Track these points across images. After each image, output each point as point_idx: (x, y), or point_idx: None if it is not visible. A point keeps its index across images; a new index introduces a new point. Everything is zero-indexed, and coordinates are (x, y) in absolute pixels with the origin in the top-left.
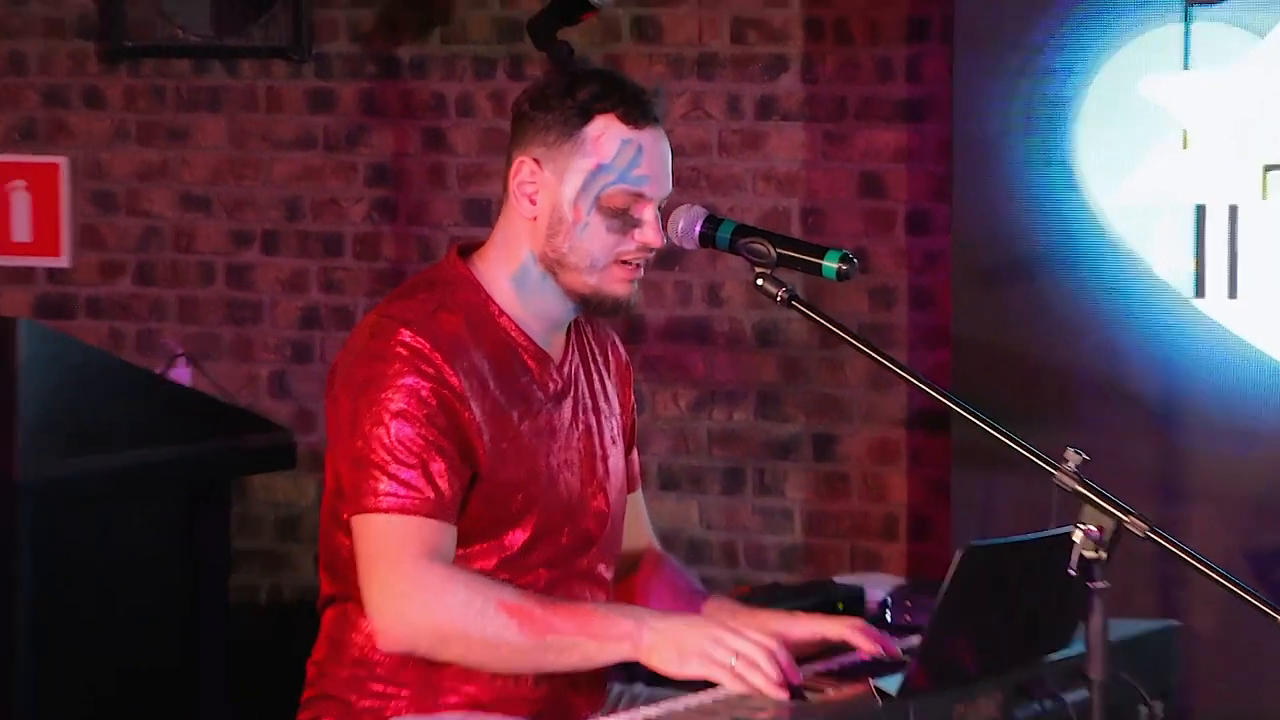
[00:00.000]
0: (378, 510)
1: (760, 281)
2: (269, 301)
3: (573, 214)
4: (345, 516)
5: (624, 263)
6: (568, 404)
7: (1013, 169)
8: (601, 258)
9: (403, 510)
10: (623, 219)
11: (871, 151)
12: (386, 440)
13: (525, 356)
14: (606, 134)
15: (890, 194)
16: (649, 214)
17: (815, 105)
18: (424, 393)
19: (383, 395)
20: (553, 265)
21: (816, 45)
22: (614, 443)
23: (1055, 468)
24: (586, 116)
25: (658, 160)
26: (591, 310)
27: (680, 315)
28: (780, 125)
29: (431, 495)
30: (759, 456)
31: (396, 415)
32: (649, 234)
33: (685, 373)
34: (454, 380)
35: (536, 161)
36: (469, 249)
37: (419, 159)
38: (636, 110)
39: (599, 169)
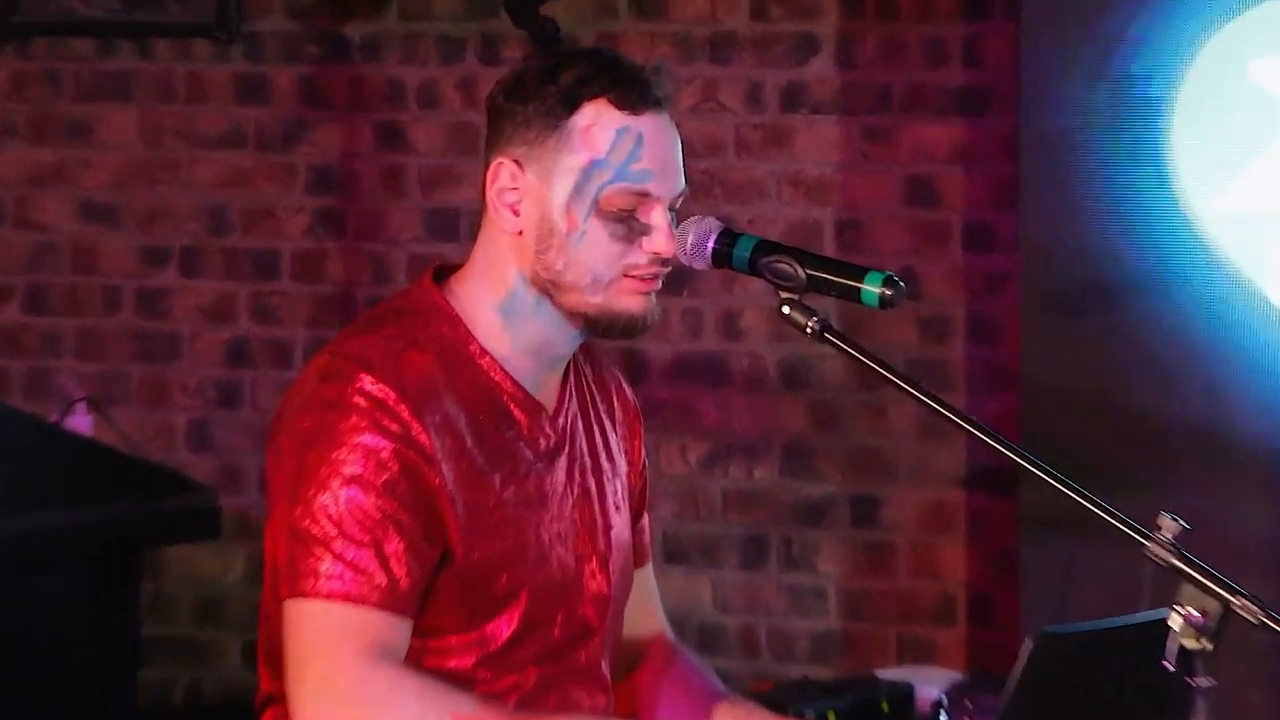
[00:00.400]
0: (316, 595)
1: (786, 309)
2: (188, 334)
3: (566, 223)
4: (284, 598)
5: (634, 276)
6: (562, 463)
7: (1093, 173)
8: (606, 272)
9: (347, 598)
10: (627, 224)
11: (921, 151)
12: (334, 511)
13: (511, 405)
14: (598, 123)
15: (944, 202)
16: (658, 217)
17: (853, 95)
18: (384, 454)
19: (333, 455)
20: (547, 287)
21: (854, 22)
22: (618, 510)
23: (1147, 538)
24: (573, 104)
25: (663, 151)
26: (602, 334)
27: (690, 350)
28: (811, 119)
29: (384, 581)
30: (785, 523)
31: (349, 481)
32: (660, 241)
33: (695, 420)
34: (422, 438)
35: (517, 163)
36: (446, 272)
37: (372, 160)
38: (633, 92)
39: (592, 165)
